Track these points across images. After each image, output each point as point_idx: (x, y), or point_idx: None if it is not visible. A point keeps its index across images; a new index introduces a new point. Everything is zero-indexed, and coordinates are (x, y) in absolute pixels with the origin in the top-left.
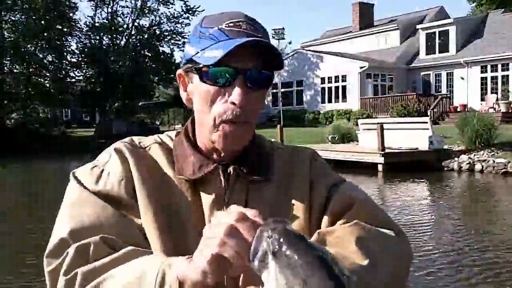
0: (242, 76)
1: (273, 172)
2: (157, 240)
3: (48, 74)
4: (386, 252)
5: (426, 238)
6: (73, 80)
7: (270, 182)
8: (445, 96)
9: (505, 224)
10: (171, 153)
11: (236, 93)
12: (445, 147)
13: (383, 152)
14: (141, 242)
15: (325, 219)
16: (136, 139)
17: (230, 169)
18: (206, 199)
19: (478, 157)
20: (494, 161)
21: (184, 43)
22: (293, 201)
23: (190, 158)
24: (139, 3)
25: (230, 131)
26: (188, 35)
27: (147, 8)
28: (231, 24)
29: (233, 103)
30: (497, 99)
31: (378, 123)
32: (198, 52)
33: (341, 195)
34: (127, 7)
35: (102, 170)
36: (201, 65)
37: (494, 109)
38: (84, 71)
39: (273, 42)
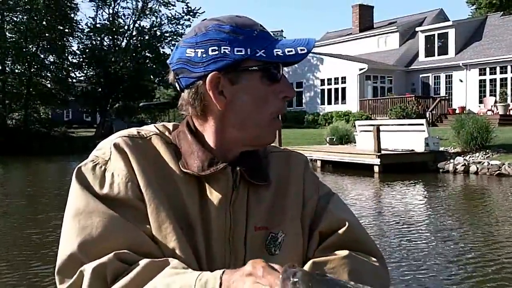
0: (282, 69)
1: (270, 175)
2: (175, 240)
3: (49, 75)
4: (374, 283)
5: (421, 239)
6: (74, 80)
7: (268, 185)
8: (443, 98)
9: (498, 224)
10: (171, 147)
11: (288, 87)
12: (441, 149)
13: (379, 154)
14: (152, 249)
15: (314, 239)
16: (134, 130)
17: (237, 169)
18: (213, 198)
19: (473, 159)
20: (488, 163)
21: None
22: (291, 204)
23: (197, 154)
24: (140, 5)
25: (278, 125)
26: None
27: (148, 10)
28: (262, 28)
29: (286, 97)
30: (495, 102)
31: (374, 125)
32: (257, 52)
33: (331, 216)
34: (128, 8)
35: (105, 170)
36: (263, 64)
37: (492, 111)
38: (85, 71)
39: None
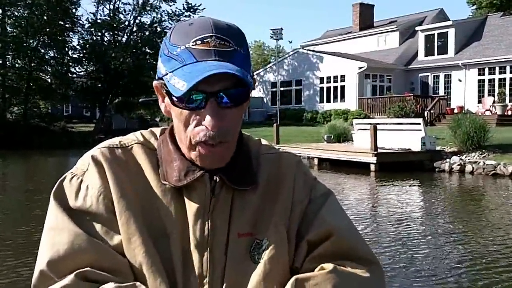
0: (213, 99)
1: (259, 179)
2: (143, 254)
3: (49, 70)
4: None
5: (415, 236)
6: (74, 75)
7: (255, 189)
8: (442, 97)
9: (490, 222)
10: (154, 154)
11: (208, 117)
12: (438, 148)
13: (375, 152)
14: (119, 265)
15: (302, 247)
16: (116, 140)
17: (216, 177)
18: (191, 207)
19: (469, 159)
20: (484, 163)
21: None
22: (279, 209)
23: (176, 163)
24: (140, 0)
25: (206, 152)
26: None
27: (148, 6)
28: (199, 42)
29: (207, 127)
30: (493, 102)
31: (371, 124)
32: (167, 74)
33: (321, 223)
34: (129, 4)
35: (81, 181)
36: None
37: (491, 111)
38: (85, 67)
39: (271, 42)
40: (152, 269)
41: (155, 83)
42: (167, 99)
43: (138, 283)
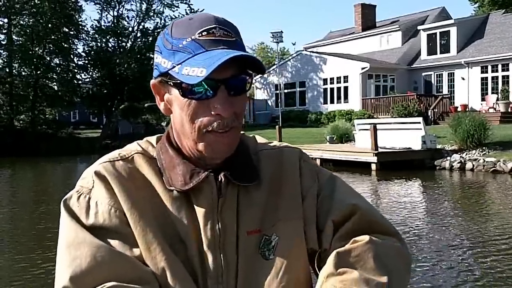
0: (223, 86)
1: (261, 175)
2: (165, 261)
3: (55, 77)
4: (399, 264)
5: (416, 234)
6: (80, 82)
7: (259, 185)
8: (445, 96)
9: (488, 218)
10: (155, 162)
11: (220, 105)
12: (438, 146)
13: (376, 152)
14: (142, 273)
15: (328, 228)
16: (115, 153)
17: (221, 176)
18: (200, 209)
19: (469, 156)
20: (484, 160)
21: None
22: (285, 203)
23: (179, 167)
24: (144, 6)
25: (216, 140)
26: None
27: (152, 11)
28: (205, 33)
29: (218, 114)
30: (497, 99)
31: (371, 124)
32: (174, 67)
33: (340, 203)
34: (132, 10)
35: (89, 199)
36: (179, 81)
37: (494, 109)
38: (90, 73)
39: (272, 45)
40: (178, 275)
41: (153, 81)
42: (168, 96)
43: None
